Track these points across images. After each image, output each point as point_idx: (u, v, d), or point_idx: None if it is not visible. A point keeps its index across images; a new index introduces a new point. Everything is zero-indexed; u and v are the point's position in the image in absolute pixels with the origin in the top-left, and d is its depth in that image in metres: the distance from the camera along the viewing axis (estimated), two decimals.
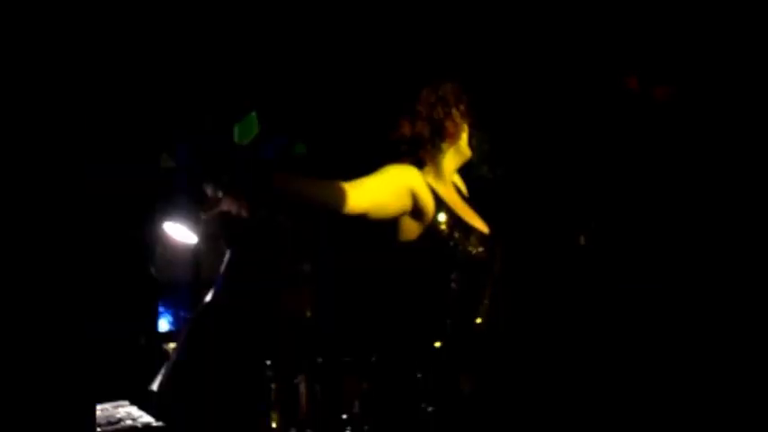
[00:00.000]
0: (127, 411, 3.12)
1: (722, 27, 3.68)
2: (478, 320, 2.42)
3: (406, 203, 2.36)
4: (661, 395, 3.55)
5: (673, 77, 3.82)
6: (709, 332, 3.55)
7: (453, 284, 2.38)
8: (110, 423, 2.96)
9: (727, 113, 3.68)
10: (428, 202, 2.40)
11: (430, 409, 2.35)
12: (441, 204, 2.42)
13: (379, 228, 2.36)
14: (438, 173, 2.54)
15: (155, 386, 3.43)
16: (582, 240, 3.56)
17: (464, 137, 2.58)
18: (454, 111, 2.55)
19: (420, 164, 2.50)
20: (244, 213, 2.06)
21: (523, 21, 4.04)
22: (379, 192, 2.30)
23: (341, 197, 2.18)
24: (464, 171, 2.68)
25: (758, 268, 3.52)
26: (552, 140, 4.02)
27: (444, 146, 2.54)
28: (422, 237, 2.38)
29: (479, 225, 2.51)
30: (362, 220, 2.27)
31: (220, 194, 2.01)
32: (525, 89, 4.08)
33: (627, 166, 3.82)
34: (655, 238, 3.73)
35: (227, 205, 2.06)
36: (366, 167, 2.45)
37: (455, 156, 2.58)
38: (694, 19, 3.74)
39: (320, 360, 3.12)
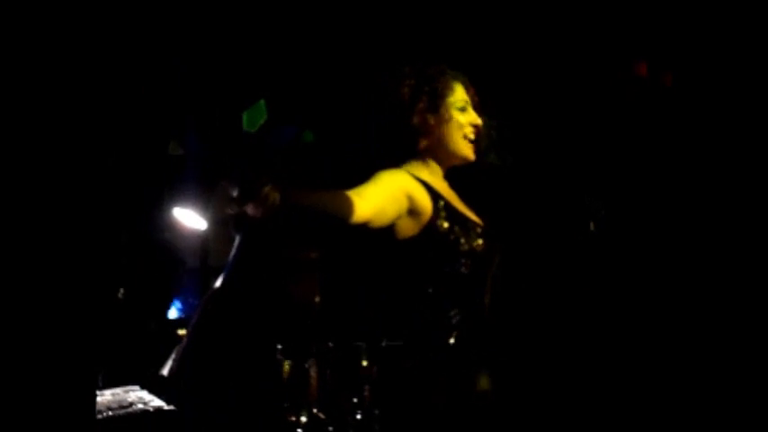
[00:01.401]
0: (138, 396, 3.14)
1: (731, 14, 3.67)
2: (482, 310, 2.42)
3: (403, 207, 2.33)
4: (666, 383, 3.56)
5: (682, 64, 3.81)
6: (717, 318, 3.55)
7: (462, 269, 2.37)
8: (121, 407, 2.98)
9: (737, 100, 3.68)
10: (424, 203, 2.37)
11: (441, 394, 2.35)
12: (438, 199, 2.39)
13: (376, 231, 2.33)
14: (430, 167, 2.49)
15: (165, 371, 3.45)
16: (592, 227, 3.56)
17: (448, 133, 2.45)
18: (423, 105, 2.43)
19: (410, 158, 2.45)
20: (257, 215, 2.03)
21: (533, 6, 4.04)
22: (379, 199, 2.27)
23: (349, 208, 2.17)
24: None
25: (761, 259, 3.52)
26: (561, 127, 4.02)
27: (420, 142, 2.45)
28: (422, 233, 2.37)
29: (474, 217, 2.49)
30: (364, 228, 2.25)
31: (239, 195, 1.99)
32: (534, 75, 4.08)
33: (636, 151, 3.82)
34: (664, 225, 3.73)
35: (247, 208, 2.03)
36: (370, 160, 2.45)
37: (442, 153, 2.48)
38: (703, 5, 3.73)
39: (331, 344, 3.14)
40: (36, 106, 1.78)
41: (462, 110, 2.48)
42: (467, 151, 2.48)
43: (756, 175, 3.59)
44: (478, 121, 2.49)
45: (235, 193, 1.97)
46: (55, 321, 1.82)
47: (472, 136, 2.49)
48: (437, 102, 2.46)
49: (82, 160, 1.83)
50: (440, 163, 2.50)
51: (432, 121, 2.45)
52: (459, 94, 2.49)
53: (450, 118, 2.46)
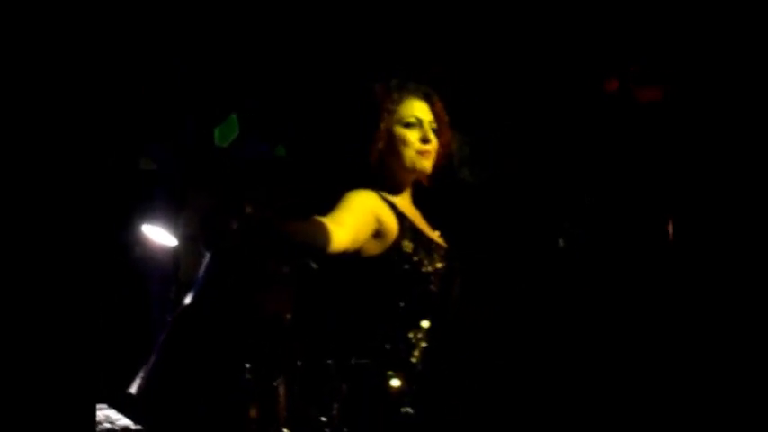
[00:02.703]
0: (105, 414, 3.11)
1: (704, 29, 3.70)
2: (447, 328, 2.43)
3: (373, 229, 2.34)
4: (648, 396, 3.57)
5: (654, 80, 3.84)
6: (690, 336, 3.57)
7: (424, 288, 2.38)
8: None
9: (709, 116, 3.70)
10: (390, 224, 2.37)
11: (409, 411, 2.35)
12: (403, 220, 2.40)
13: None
14: (393, 185, 2.49)
15: (133, 389, 3.42)
16: (561, 243, 3.57)
17: (402, 151, 2.42)
18: (380, 120, 2.40)
19: (377, 178, 2.44)
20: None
21: (506, 22, 4.05)
22: (355, 226, 2.27)
23: (328, 238, 2.16)
24: (444, 174, 2.62)
25: (737, 268, 3.54)
26: (533, 142, 4.03)
27: (377, 162, 2.42)
28: (386, 253, 2.37)
29: (435, 237, 2.49)
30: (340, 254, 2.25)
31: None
32: (506, 91, 4.09)
33: (607, 167, 3.84)
34: (634, 240, 3.75)
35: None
36: (340, 176, 2.45)
37: (400, 171, 2.45)
38: (676, 21, 3.76)
39: (299, 362, 3.12)
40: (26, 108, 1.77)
41: (408, 125, 2.46)
42: (419, 163, 2.45)
43: (729, 187, 3.62)
44: (429, 136, 2.47)
45: (215, 209, 1.96)
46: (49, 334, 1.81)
47: (424, 150, 2.46)
48: (377, 117, 2.45)
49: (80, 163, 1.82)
50: (400, 180, 2.49)
51: (378, 140, 2.43)
52: (408, 110, 2.47)
53: (392, 134, 2.45)
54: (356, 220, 2.28)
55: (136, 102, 4.53)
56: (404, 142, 2.44)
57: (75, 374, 1.81)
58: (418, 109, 2.47)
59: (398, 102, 2.46)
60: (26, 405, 1.75)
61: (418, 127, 2.46)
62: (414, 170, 2.47)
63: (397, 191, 2.48)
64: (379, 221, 2.34)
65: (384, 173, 2.47)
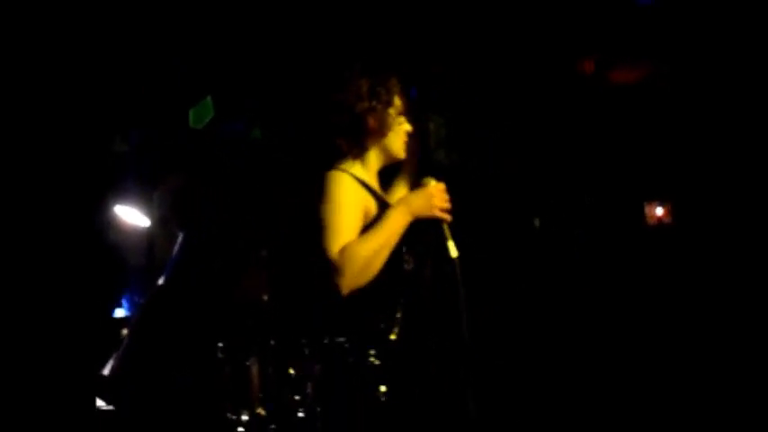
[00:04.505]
0: None
1: (679, 11, 3.71)
2: (424, 306, 2.44)
3: (363, 216, 2.38)
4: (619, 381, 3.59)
5: (630, 61, 3.85)
6: (687, 332, 3.59)
7: (401, 267, 2.39)
8: None
9: (682, 97, 3.72)
10: (372, 208, 2.41)
11: (383, 389, 2.35)
12: (381, 201, 2.43)
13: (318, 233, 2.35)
14: (364, 164, 2.52)
15: (106, 371, 3.40)
16: (537, 223, 3.58)
17: (392, 136, 2.49)
18: (380, 106, 2.47)
19: (345, 153, 2.46)
20: None
21: (479, 4, 4.05)
22: (357, 227, 2.34)
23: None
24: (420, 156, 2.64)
25: (733, 257, 3.57)
26: (509, 124, 4.04)
27: (367, 141, 2.48)
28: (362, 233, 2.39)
29: None
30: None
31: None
32: (482, 74, 4.09)
33: (582, 147, 3.85)
34: (609, 220, 3.76)
35: None
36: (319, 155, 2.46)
37: (382, 153, 2.51)
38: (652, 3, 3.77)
39: (273, 342, 3.12)
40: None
41: (401, 113, 2.52)
42: (402, 154, 2.54)
43: (701, 166, 3.64)
44: (410, 128, 2.54)
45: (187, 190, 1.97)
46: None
47: (407, 137, 2.53)
48: (388, 104, 2.50)
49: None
50: (377, 161, 2.53)
51: (385, 120, 2.48)
52: (400, 99, 2.53)
53: (396, 122, 2.52)
54: (355, 220, 2.35)
55: (115, 89, 4.50)
56: (400, 130, 2.52)
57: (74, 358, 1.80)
58: (401, 97, 2.52)
59: (397, 90, 2.53)
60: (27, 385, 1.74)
61: (403, 118, 2.54)
62: (397, 157, 2.53)
63: (368, 170, 2.51)
64: (365, 208, 2.39)
65: (363, 153, 2.50)
